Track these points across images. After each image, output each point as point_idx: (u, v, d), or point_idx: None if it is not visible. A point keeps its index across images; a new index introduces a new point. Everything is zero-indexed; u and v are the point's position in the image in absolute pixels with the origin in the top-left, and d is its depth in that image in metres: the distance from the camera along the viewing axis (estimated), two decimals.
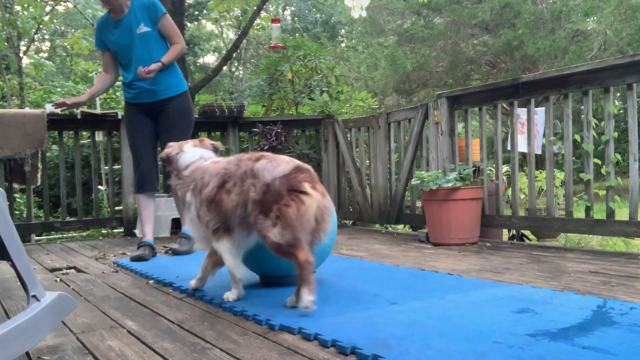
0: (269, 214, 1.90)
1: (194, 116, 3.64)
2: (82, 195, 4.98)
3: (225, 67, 18.75)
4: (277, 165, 1.95)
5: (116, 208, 5.31)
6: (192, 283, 2.36)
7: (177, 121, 3.48)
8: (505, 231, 5.13)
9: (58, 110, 4.87)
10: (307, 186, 1.91)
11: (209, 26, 24.00)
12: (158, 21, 3.40)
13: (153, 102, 3.47)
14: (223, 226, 2.06)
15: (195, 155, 2.32)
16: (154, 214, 3.64)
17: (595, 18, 12.89)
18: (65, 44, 15.02)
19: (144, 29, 3.37)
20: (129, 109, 3.56)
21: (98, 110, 5.63)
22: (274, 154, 2.09)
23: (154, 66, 3.31)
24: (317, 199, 1.91)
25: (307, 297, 1.86)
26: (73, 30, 17.54)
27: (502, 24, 14.08)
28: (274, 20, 6.48)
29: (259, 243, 2.27)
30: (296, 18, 27.35)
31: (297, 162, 2.01)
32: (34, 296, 1.46)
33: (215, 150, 2.46)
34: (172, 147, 2.42)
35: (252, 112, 6.53)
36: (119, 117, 4.88)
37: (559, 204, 5.59)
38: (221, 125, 5.47)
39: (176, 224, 4.83)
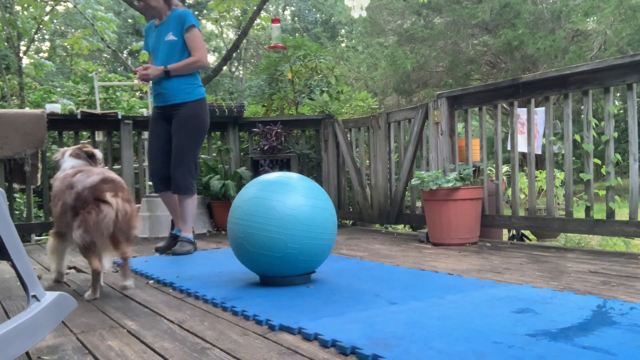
0: (76, 218, 2.27)
1: (205, 124, 3.69)
2: None
3: (225, 67, 18.76)
4: (87, 177, 2.33)
5: None
6: (52, 277, 2.74)
7: (182, 127, 3.59)
8: (505, 231, 5.14)
9: (59, 110, 4.91)
10: (108, 195, 2.29)
11: (209, 26, 24.01)
12: (185, 32, 3.55)
13: (164, 105, 3.64)
14: (57, 230, 2.51)
15: (66, 166, 2.65)
16: (178, 210, 3.75)
17: (595, 18, 12.89)
18: (65, 44, 15.03)
19: (170, 37, 3.56)
20: (152, 111, 3.80)
21: (98, 110, 5.63)
22: (93, 168, 2.53)
23: (154, 68, 3.51)
24: (116, 206, 2.29)
25: (90, 294, 2.35)
26: (73, 30, 17.54)
27: (502, 24, 14.08)
28: (274, 20, 6.48)
29: (259, 244, 2.29)
30: (296, 18, 27.36)
31: (108, 174, 2.40)
32: (34, 296, 1.46)
33: (90, 157, 2.73)
34: (57, 153, 2.74)
35: (252, 112, 6.53)
36: (119, 117, 4.88)
37: (559, 204, 5.60)
38: (221, 125, 5.47)
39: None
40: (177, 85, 3.56)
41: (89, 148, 2.80)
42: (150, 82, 3.69)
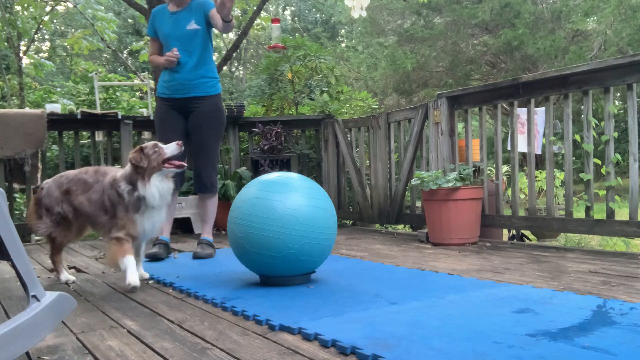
0: None
1: (225, 118, 3.60)
2: None
3: (225, 67, 18.73)
4: None
5: None
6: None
7: (206, 121, 3.47)
8: (505, 231, 5.14)
9: (59, 110, 4.91)
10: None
11: None
12: (208, 16, 3.41)
13: (183, 97, 3.46)
14: None
15: None
16: (174, 212, 3.66)
17: (595, 18, 12.89)
18: (65, 44, 15.02)
19: (193, 26, 3.42)
20: (162, 104, 3.54)
21: (98, 110, 5.63)
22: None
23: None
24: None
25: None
26: (73, 30, 17.54)
27: (502, 24, 14.08)
28: (274, 20, 6.47)
29: (259, 244, 2.29)
30: (296, 18, 27.35)
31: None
32: (34, 296, 1.46)
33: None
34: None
35: (252, 112, 6.53)
36: (119, 117, 4.88)
37: (559, 204, 5.60)
38: None
39: (176, 224, 4.84)
40: (200, 77, 3.44)
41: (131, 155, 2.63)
42: (163, 71, 3.49)
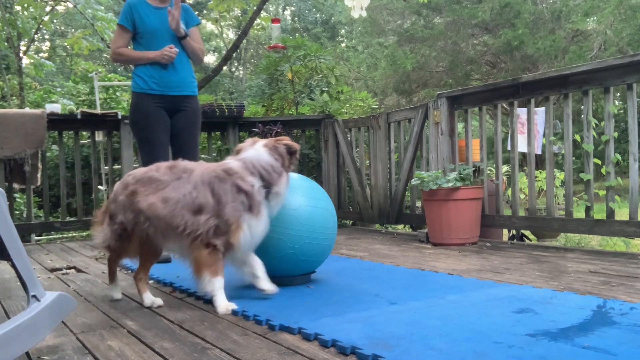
0: None
1: None
2: (82, 195, 4.97)
3: (225, 67, 18.74)
4: None
5: None
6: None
7: (196, 121, 3.45)
8: (505, 231, 5.14)
9: (59, 110, 4.91)
10: None
11: (209, 26, 24.00)
12: (188, 30, 3.42)
13: (176, 95, 3.35)
14: None
15: None
16: None
17: (595, 18, 12.90)
18: (65, 44, 15.03)
19: (182, 26, 3.38)
20: (149, 101, 3.31)
21: (98, 111, 5.63)
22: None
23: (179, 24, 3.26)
24: None
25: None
26: (73, 30, 17.54)
27: (502, 24, 14.09)
28: (274, 20, 6.48)
29: (259, 244, 2.28)
30: (296, 18, 27.35)
31: None
32: (34, 296, 1.46)
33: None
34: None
35: (252, 112, 6.53)
36: (119, 117, 4.88)
37: (559, 204, 5.59)
38: (221, 125, 5.47)
39: None
40: (189, 76, 3.42)
41: (287, 140, 2.23)
42: (146, 66, 3.32)
